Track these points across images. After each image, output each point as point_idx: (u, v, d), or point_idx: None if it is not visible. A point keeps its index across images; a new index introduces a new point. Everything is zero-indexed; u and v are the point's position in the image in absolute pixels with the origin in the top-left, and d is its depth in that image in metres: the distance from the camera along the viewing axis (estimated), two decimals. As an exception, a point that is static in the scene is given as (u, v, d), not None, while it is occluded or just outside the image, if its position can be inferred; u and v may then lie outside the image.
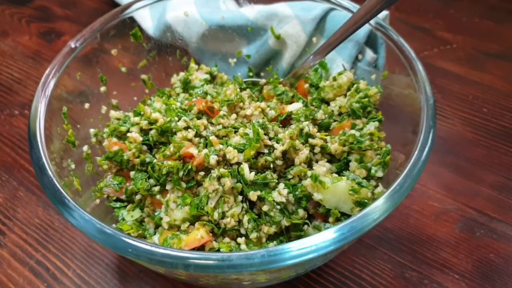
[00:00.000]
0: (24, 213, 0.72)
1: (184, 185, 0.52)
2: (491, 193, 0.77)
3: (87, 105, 0.62)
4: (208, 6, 0.79)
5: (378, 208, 0.42)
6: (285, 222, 0.51)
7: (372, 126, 0.56)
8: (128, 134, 0.56)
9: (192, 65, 0.76)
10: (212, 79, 0.75)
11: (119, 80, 0.69)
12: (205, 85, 0.69)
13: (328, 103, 0.66)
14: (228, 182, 0.50)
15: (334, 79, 0.66)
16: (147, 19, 0.71)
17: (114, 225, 0.53)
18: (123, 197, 0.57)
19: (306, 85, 0.71)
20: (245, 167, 0.52)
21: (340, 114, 0.63)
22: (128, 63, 0.70)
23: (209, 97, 0.65)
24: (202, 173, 0.52)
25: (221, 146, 0.54)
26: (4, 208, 0.73)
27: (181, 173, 0.51)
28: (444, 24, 1.15)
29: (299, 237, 0.52)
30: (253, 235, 0.50)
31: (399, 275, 0.66)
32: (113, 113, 0.62)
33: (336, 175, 0.51)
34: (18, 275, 0.64)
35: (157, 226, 0.54)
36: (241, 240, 0.50)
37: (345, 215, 0.51)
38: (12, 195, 0.75)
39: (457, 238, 0.71)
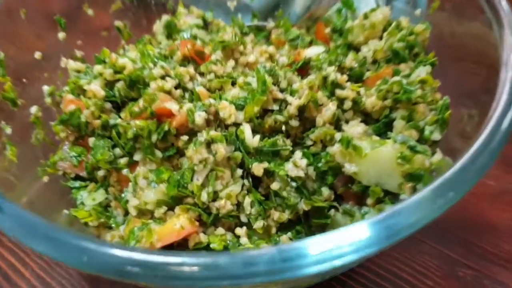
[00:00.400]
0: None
1: (159, 154, 0.37)
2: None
3: (38, 55, 0.47)
4: None
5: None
6: (303, 206, 0.36)
7: (423, 72, 0.40)
8: (86, 87, 0.41)
9: (181, 9, 0.60)
10: (206, 26, 0.59)
11: (84, 26, 0.54)
12: (195, 28, 0.53)
13: (357, 50, 0.50)
14: (222, 149, 0.35)
15: (366, 16, 0.49)
16: None
17: (66, 211, 0.38)
18: (83, 174, 0.42)
19: (327, 30, 0.54)
20: (246, 128, 0.37)
21: (374, 62, 0.46)
22: (96, 4, 0.54)
23: (198, 42, 0.50)
24: (185, 138, 0.37)
25: (212, 100, 0.38)
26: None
27: (154, 137, 0.36)
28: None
29: (323, 227, 0.37)
30: (258, 224, 0.35)
31: (450, 274, 0.51)
32: (72, 64, 0.46)
33: (378, 138, 0.36)
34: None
35: (127, 212, 0.39)
36: (240, 231, 0.35)
37: (390, 195, 0.35)
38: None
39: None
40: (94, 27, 0.55)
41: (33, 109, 0.44)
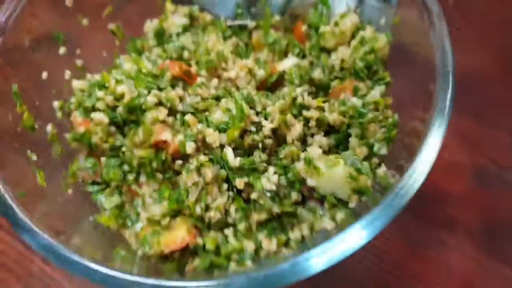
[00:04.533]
0: None
1: (160, 176, 0.46)
2: (507, 139, 0.70)
3: (45, 75, 0.53)
4: None
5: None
6: (276, 209, 0.46)
7: (377, 92, 0.47)
8: (92, 115, 0.48)
9: (168, 5, 0.63)
10: (192, 21, 0.63)
11: (81, 35, 0.59)
12: (181, 35, 0.58)
13: (329, 51, 0.56)
14: (209, 173, 0.44)
15: (336, 24, 0.54)
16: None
17: (91, 218, 0.48)
18: (99, 179, 0.52)
19: (304, 27, 0.59)
20: (228, 152, 0.45)
21: (342, 69, 0.53)
22: (89, 12, 0.58)
23: (186, 53, 0.55)
24: (179, 162, 0.46)
25: (199, 126, 0.46)
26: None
27: (154, 164, 0.45)
28: None
29: (292, 221, 0.47)
30: (241, 226, 0.46)
31: (399, 237, 0.63)
32: (76, 84, 0.53)
33: (333, 158, 0.44)
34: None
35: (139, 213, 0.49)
36: (228, 231, 0.46)
37: (342, 202, 0.45)
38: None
39: (467, 192, 0.66)
40: (90, 34, 0.60)
41: (49, 128, 0.52)
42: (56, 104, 0.54)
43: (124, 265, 0.40)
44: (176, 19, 0.61)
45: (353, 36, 0.54)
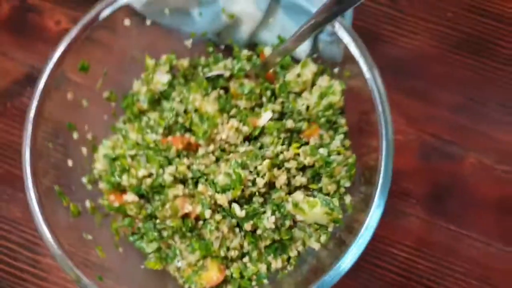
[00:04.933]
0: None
1: (189, 235, 0.62)
2: (447, 115, 0.86)
3: (70, 163, 0.65)
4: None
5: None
6: (277, 237, 0.63)
7: (338, 142, 0.62)
8: (125, 198, 0.61)
9: (148, 61, 0.72)
10: (172, 70, 0.73)
11: (84, 113, 0.68)
12: (172, 101, 0.68)
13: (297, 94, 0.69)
14: (225, 227, 0.60)
15: (298, 75, 0.66)
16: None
17: (142, 266, 0.65)
18: (136, 231, 0.67)
19: (271, 70, 0.70)
20: (236, 207, 0.60)
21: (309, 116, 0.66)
22: (88, 94, 0.67)
23: (180, 119, 0.67)
24: (201, 222, 0.61)
25: (210, 192, 0.61)
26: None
27: (183, 229, 0.60)
28: None
29: (289, 242, 0.65)
30: (254, 254, 0.64)
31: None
32: (98, 167, 0.65)
33: (312, 200, 0.60)
34: None
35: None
36: (245, 259, 0.64)
37: (323, 226, 0.63)
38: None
39: (415, 166, 0.84)
40: (90, 108, 0.69)
41: (87, 204, 0.65)
42: (84, 180, 0.67)
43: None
44: (159, 76, 0.71)
45: (313, 83, 0.66)
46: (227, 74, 0.71)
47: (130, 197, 0.61)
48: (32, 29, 0.90)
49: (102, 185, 0.66)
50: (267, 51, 0.70)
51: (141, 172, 0.60)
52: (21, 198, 0.82)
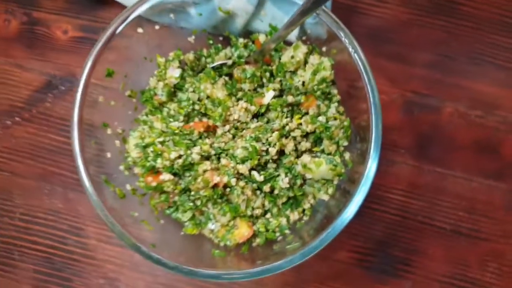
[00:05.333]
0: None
1: (219, 201, 0.74)
2: (423, 72, 0.97)
3: (109, 154, 0.76)
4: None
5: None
6: (291, 194, 0.76)
7: (333, 109, 0.73)
8: (161, 177, 0.73)
9: (159, 59, 0.82)
10: (182, 64, 0.83)
11: (112, 112, 0.78)
12: (186, 92, 0.79)
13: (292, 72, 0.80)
14: (249, 192, 0.72)
15: (292, 57, 0.77)
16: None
17: (182, 232, 0.77)
18: (172, 204, 0.79)
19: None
20: (255, 174, 0.72)
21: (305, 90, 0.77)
22: (114, 95, 0.78)
23: (196, 106, 0.78)
24: (227, 190, 0.73)
25: (232, 164, 0.72)
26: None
27: (215, 197, 0.72)
28: None
29: (302, 197, 0.78)
30: (274, 210, 0.76)
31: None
32: (133, 155, 0.76)
33: (318, 160, 0.72)
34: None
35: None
36: (268, 215, 0.76)
37: (329, 180, 0.75)
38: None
39: (401, 121, 0.96)
40: (116, 107, 0.80)
41: (128, 187, 0.76)
42: (121, 167, 0.78)
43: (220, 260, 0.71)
44: (172, 71, 0.81)
45: (305, 61, 0.77)
46: (229, 62, 0.81)
47: (166, 176, 0.72)
48: (42, 40, 0.99)
49: (137, 170, 0.77)
50: (262, 38, 0.81)
51: (173, 155, 0.72)
52: (59, 191, 0.93)
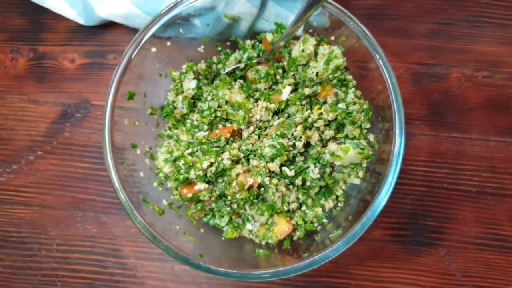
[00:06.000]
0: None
1: (255, 201, 0.76)
2: (425, 43, 0.99)
3: (142, 174, 0.78)
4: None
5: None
6: (322, 183, 0.78)
7: (351, 95, 0.75)
8: (196, 188, 0.75)
9: (173, 73, 0.84)
10: (196, 74, 0.84)
11: (138, 132, 0.80)
12: (206, 101, 0.80)
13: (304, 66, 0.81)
14: (283, 188, 0.74)
15: (302, 50, 0.78)
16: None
17: (223, 237, 0.80)
18: (208, 211, 0.81)
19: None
20: (286, 170, 0.75)
21: (320, 80, 0.79)
22: (137, 115, 0.79)
23: (218, 113, 0.80)
24: (262, 189, 0.76)
25: (263, 163, 0.74)
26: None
27: (251, 198, 0.75)
28: None
29: (333, 184, 0.80)
30: (308, 201, 0.78)
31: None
32: (165, 169, 0.77)
33: (344, 146, 0.74)
34: None
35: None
36: (304, 208, 0.79)
37: (357, 164, 0.77)
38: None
39: (411, 93, 0.98)
40: (142, 128, 0.81)
41: (164, 203, 0.79)
42: (155, 184, 0.80)
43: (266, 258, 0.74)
44: (188, 83, 0.83)
45: (315, 52, 0.79)
46: (241, 65, 0.83)
47: (201, 186, 0.75)
48: (51, 73, 1.00)
49: (170, 184, 0.80)
50: (269, 37, 0.82)
51: (205, 164, 0.74)
52: (92, 217, 0.95)
